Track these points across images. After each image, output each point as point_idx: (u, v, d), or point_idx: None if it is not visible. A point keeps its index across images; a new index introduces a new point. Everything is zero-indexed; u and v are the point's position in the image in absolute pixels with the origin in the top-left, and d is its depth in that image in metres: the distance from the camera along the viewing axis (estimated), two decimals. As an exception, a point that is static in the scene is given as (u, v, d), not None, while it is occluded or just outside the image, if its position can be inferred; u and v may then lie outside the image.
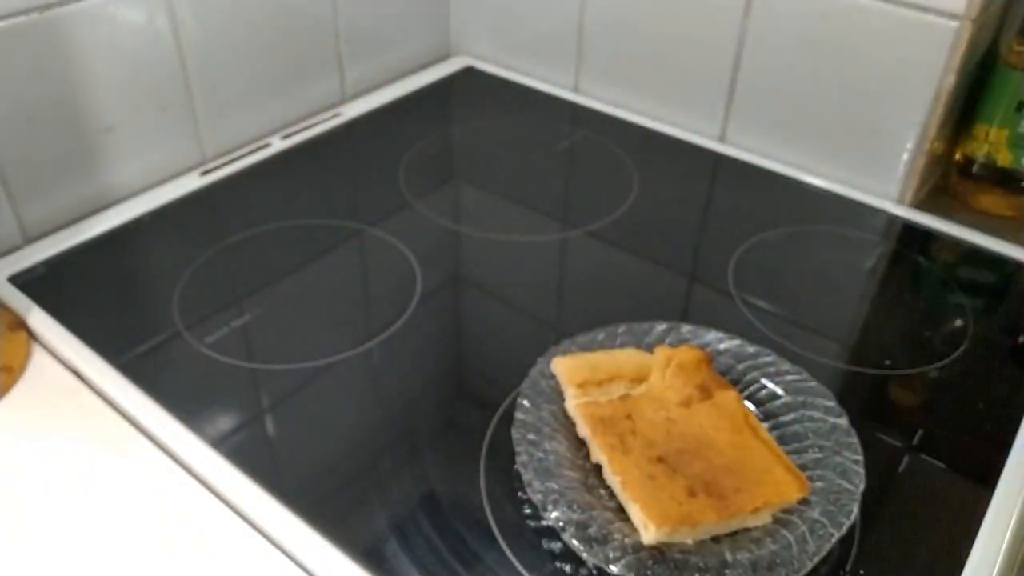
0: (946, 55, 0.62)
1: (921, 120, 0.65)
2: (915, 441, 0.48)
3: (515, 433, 0.45)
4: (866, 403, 0.51)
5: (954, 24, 0.61)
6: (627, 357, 0.49)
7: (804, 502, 0.42)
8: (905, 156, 0.67)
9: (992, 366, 0.54)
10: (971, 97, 0.69)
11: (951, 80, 0.63)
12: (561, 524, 0.40)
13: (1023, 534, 0.44)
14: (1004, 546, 0.42)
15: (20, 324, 0.54)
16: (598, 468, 0.44)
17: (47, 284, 0.58)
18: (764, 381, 0.49)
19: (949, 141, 0.71)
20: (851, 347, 0.55)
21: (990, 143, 0.67)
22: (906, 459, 0.47)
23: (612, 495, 0.43)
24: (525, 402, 0.46)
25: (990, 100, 0.66)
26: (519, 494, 0.43)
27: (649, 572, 0.38)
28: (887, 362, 0.53)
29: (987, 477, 0.46)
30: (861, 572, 0.41)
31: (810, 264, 0.63)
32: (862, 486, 0.42)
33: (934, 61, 0.63)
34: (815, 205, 0.70)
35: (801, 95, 0.70)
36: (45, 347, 0.53)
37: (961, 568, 0.41)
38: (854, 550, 0.42)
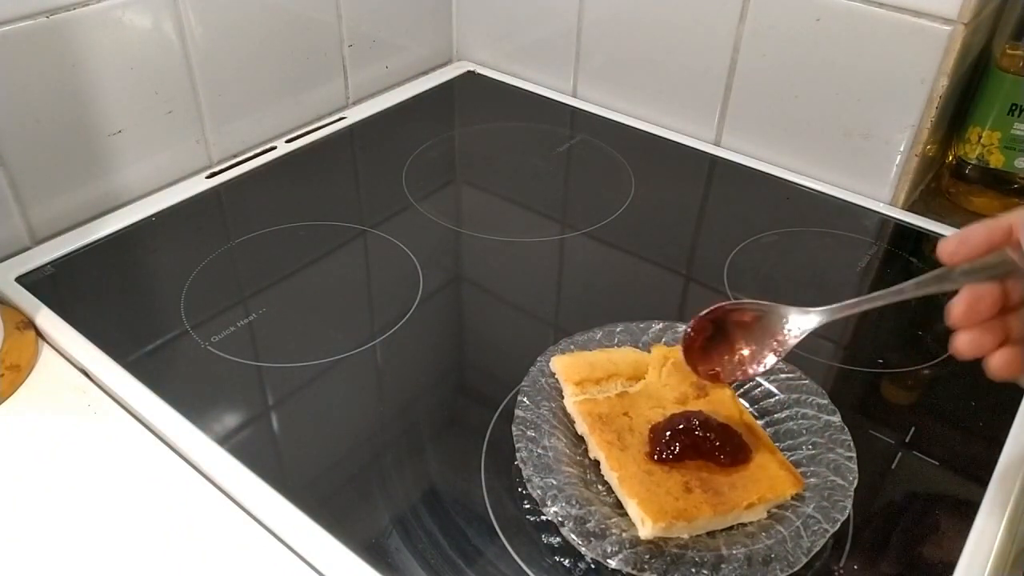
0: (939, 59, 0.62)
1: (914, 123, 0.66)
2: (908, 438, 0.48)
3: (515, 430, 0.45)
4: (859, 401, 0.51)
5: (947, 28, 0.61)
6: (624, 355, 0.49)
7: (798, 498, 0.42)
8: (898, 158, 0.68)
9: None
10: (964, 100, 0.69)
11: (944, 83, 0.63)
12: (560, 519, 0.40)
13: (1016, 531, 0.44)
14: (997, 542, 0.42)
15: (28, 323, 0.54)
16: (596, 464, 0.44)
17: (55, 284, 0.58)
18: (759, 379, 0.49)
19: (942, 143, 0.71)
20: (844, 346, 0.56)
21: (983, 145, 0.68)
22: (899, 456, 0.47)
23: (610, 491, 0.43)
24: (525, 399, 0.47)
25: (983, 103, 0.67)
26: (519, 489, 0.44)
27: (646, 566, 0.39)
28: (880, 361, 0.54)
29: (980, 474, 0.46)
30: (855, 567, 0.41)
31: (804, 264, 0.63)
32: (855, 482, 0.42)
33: (927, 64, 0.63)
34: (809, 207, 0.70)
35: (795, 98, 0.71)
36: (53, 346, 0.53)
37: (954, 564, 0.41)
38: (848, 545, 0.42)
